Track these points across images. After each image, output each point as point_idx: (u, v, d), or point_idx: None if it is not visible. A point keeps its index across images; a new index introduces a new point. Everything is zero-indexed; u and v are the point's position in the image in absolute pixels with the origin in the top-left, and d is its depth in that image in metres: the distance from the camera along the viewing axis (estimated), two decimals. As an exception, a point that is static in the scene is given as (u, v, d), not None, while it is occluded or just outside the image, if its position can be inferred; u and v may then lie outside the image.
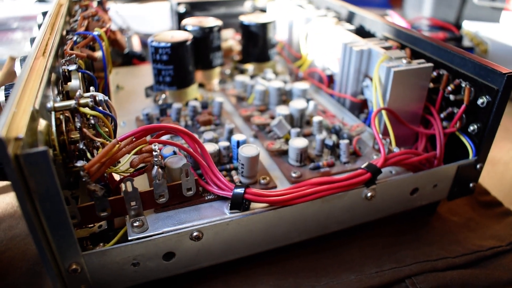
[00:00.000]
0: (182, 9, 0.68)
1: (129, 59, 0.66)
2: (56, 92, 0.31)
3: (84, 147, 0.28)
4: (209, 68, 0.54)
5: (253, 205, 0.32)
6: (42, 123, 0.25)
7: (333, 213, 0.35)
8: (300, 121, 0.45)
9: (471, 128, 0.38)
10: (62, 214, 0.24)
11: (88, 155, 0.29)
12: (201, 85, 0.55)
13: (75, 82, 0.33)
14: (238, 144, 0.37)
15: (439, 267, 0.36)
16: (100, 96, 0.29)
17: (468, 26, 0.82)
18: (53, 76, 0.31)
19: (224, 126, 0.43)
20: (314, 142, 0.41)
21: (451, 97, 0.39)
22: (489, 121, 0.36)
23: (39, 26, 0.47)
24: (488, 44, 0.75)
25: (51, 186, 0.23)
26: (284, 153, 0.40)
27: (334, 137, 0.40)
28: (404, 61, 0.40)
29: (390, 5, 1.27)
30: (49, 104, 0.27)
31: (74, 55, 0.35)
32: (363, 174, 0.34)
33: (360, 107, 0.48)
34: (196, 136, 0.33)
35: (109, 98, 0.38)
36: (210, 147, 0.37)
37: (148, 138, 0.31)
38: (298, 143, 0.38)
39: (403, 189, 0.37)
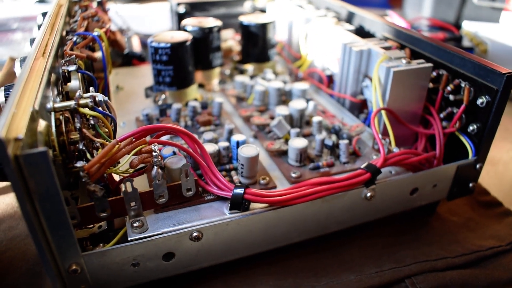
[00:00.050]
0: (182, 9, 0.68)
1: (129, 59, 0.66)
2: (56, 92, 0.32)
3: (84, 148, 0.28)
4: (209, 69, 0.54)
5: (253, 205, 0.32)
6: (42, 124, 0.25)
7: (333, 213, 0.35)
8: (300, 121, 0.45)
9: (471, 128, 0.38)
10: (62, 215, 0.24)
11: (88, 155, 0.29)
12: (200, 86, 0.55)
13: (74, 83, 0.33)
14: (238, 144, 0.37)
15: (439, 267, 0.36)
16: (99, 97, 0.29)
17: (468, 26, 0.82)
18: (53, 76, 0.31)
19: (223, 127, 0.43)
20: (314, 142, 0.41)
21: (451, 97, 0.39)
22: (488, 121, 0.36)
23: (39, 26, 0.47)
24: (488, 44, 0.75)
25: (51, 186, 0.23)
26: (284, 153, 0.40)
27: (333, 137, 0.40)
28: (404, 61, 0.40)
29: (390, 5, 1.27)
30: (49, 105, 0.27)
31: (74, 56, 0.35)
32: (363, 174, 0.34)
33: (359, 107, 0.48)
34: (195, 136, 0.33)
35: (109, 98, 0.38)
36: (210, 148, 0.37)
37: (147, 138, 0.31)
38: (297, 143, 0.38)
39: (403, 189, 0.38)
